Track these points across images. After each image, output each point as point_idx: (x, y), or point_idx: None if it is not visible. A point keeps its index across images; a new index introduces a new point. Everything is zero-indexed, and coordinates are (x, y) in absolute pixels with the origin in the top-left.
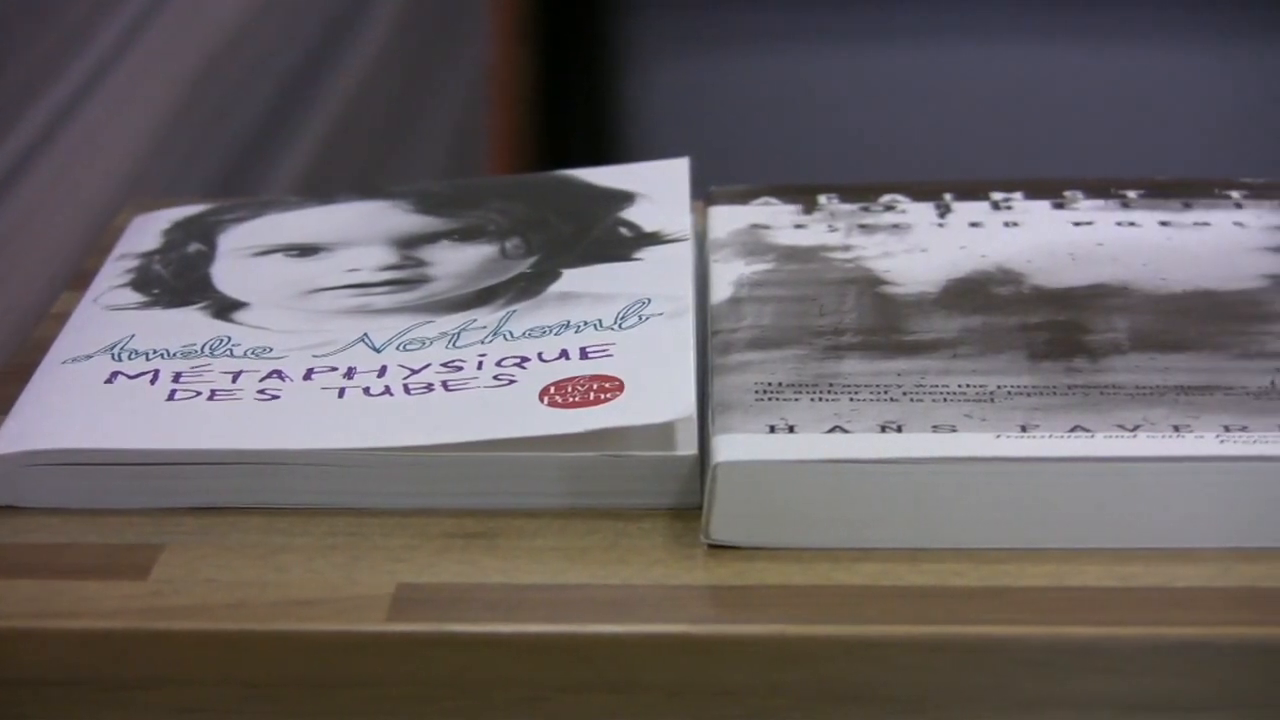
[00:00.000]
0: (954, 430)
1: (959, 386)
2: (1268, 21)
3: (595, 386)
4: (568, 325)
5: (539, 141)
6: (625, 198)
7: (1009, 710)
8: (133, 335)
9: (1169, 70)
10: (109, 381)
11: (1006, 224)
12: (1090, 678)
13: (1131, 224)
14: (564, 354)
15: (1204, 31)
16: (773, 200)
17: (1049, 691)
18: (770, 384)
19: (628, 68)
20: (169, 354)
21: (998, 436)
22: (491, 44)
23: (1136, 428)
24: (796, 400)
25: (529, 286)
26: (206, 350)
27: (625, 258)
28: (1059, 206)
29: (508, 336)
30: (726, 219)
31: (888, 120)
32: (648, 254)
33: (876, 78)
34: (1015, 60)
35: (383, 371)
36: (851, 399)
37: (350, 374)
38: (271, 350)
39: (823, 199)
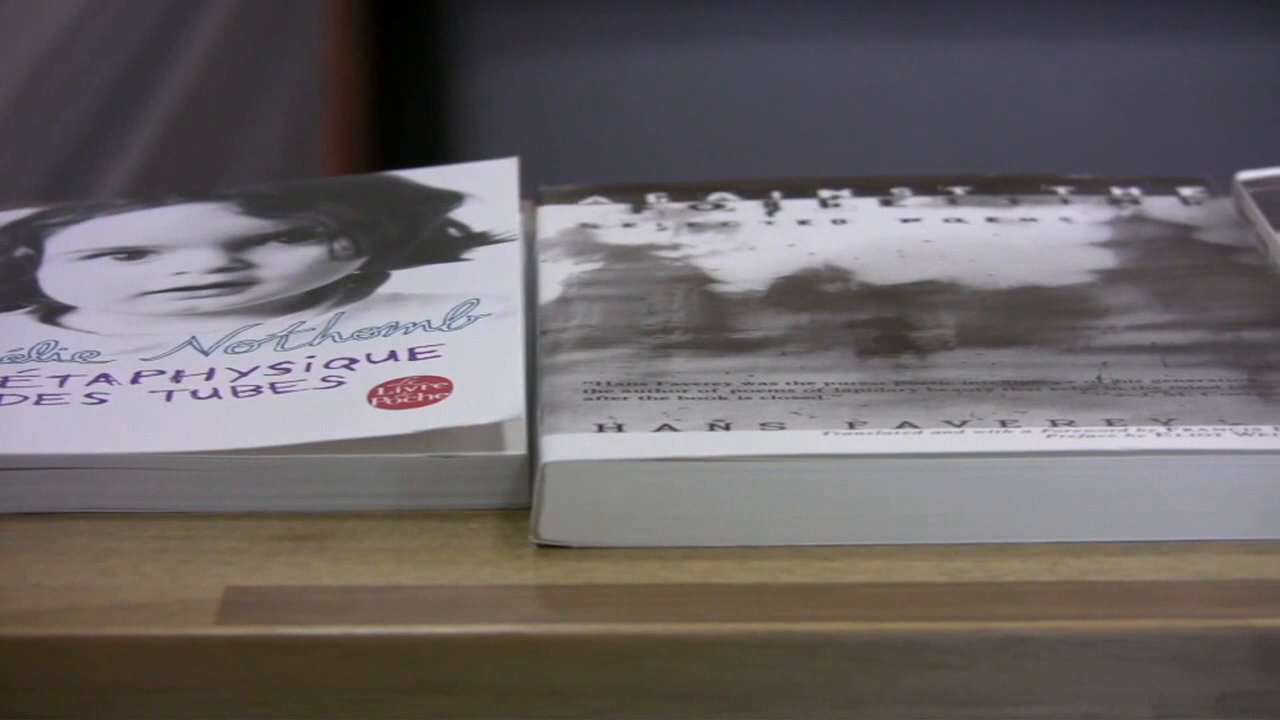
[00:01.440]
0: (782, 428)
1: (787, 384)
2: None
3: (424, 387)
4: (396, 326)
5: (373, 142)
6: (454, 198)
7: (837, 706)
8: None
9: (1033, 66)
10: None
11: (834, 221)
12: (918, 673)
13: (959, 220)
14: (393, 355)
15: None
16: (602, 199)
17: (877, 688)
18: (599, 383)
19: (459, 68)
20: None
21: (825, 433)
22: (325, 44)
23: (964, 423)
24: (625, 399)
25: (357, 288)
26: (33, 355)
27: (454, 258)
28: (887, 204)
29: (336, 338)
30: (555, 218)
31: (717, 119)
32: (476, 254)
33: (707, 78)
34: (844, 57)
35: (211, 374)
36: (680, 397)
37: (178, 377)
38: (99, 354)
39: (651, 198)
